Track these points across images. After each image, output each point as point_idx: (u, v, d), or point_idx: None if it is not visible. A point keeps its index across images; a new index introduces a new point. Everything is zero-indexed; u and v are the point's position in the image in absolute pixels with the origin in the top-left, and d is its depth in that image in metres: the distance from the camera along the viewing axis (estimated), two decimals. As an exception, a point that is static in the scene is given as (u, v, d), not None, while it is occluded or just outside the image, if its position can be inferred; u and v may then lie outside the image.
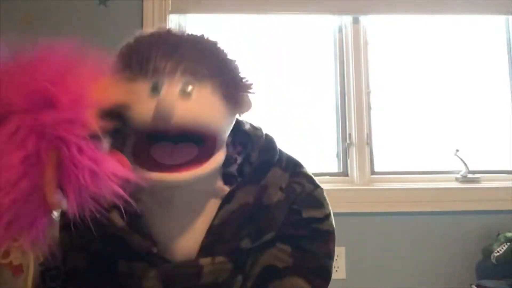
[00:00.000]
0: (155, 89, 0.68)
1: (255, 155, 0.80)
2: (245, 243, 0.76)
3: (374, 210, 1.85)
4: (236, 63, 0.79)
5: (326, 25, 2.04)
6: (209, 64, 0.74)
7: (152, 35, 0.75)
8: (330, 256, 0.82)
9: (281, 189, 0.79)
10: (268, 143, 0.82)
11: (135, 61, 0.72)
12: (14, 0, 1.84)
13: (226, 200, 0.77)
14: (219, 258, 0.75)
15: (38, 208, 0.56)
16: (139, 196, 0.72)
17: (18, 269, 0.67)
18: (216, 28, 2.02)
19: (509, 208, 1.82)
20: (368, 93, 1.97)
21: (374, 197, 1.87)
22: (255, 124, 0.84)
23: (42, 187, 0.55)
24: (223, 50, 0.79)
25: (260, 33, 2.03)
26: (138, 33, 0.77)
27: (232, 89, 0.75)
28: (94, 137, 0.58)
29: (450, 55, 2.04)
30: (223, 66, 0.76)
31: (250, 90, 0.77)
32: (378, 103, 1.99)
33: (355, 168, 1.92)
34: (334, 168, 1.97)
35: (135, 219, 0.74)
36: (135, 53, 0.73)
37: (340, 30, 2.02)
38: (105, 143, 0.60)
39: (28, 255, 0.67)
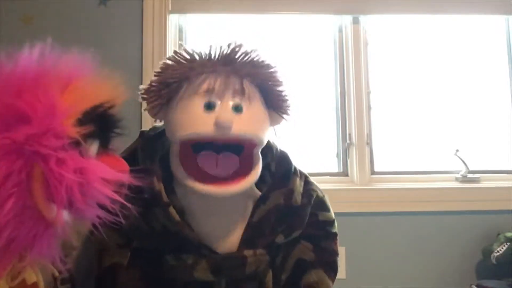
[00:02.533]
0: (210, 107, 0.80)
1: (273, 165, 0.93)
2: (279, 238, 0.89)
3: (374, 210, 1.85)
4: (284, 83, 0.92)
5: (326, 25, 2.04)
6: (258, 80, 0.86)
7: (208, 55, 0.84)
8: (337, 253, 0.96)
9: (301, 194, 0.93)
10: (285, 155, 0.96)
11: (187, 79, 0.82)
12: (14, 0, 1.84)
13: (261, 200, 0.89)
14: (260, 251, 0.87)
15: (36, 224, 0.55)
16: (185, 194, 0.86)
17: (34, 287, 0.67)
18: (216, 28, 2.01)
19: (509, 208, 1.82)
20: (368, 93, 1.97)
21: (374, 197, 1.87)
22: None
23: (35, 204, 0.54)
24: (276, 70, 0.90)
25: (260, 33, 2.03)
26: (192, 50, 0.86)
27: (275, 104, 0.88)
28: (77, 143, 0.58)
29: (450, 55, 2.03)
30: (272, 84, 0.88)
31: (288, 108, 0.92)
32: (378, 103, 1.99)
33: (355, 168, 1.92)
34: (334, 168, 1.97)
35: (182, 214, 0.86)
36: (188, 71, 0.82)
37: (340, 30, 2.01)
38: (91, 147, 0.60)
39: (38, 272, 0.67)
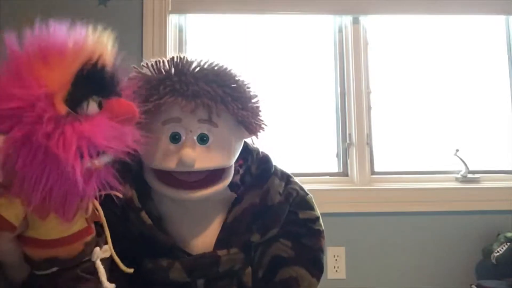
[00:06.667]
0: (175, 139, 0.82)
1: (254, 167, 0.94)
2: (255, 237, 0.90)
3: (374, 210, 1.85)
4: (253, 91, 0.88)
5: (326, 25, 2.04)
6: (226, 101, 0.83)
7: (166, 73, 0.83)
8: (322, 250, 0.95)
9: (279, 193, 0.92)
10: (265, 157, 0.96)
11: (152, 102, 0.80)
12: (14, 0, 1.85)
13: (236, 202, 0.90)
14: (234, 250, 0.88)
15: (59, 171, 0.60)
16: (162, 199, 0.88)
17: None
18: (216, 28, 2.01)
19: (509, 208, 1.82)
20: (368, 93, 1.97)
21: (374, 197, 1.87)
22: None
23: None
24: (241, 81, 0.86)
25: (260, 33, 2.03)
26: (148, 64, 0.86)
27: (249, 118, 0.87)
28: (72, 108, 0.60)
29: (450, 55, 2.03)
30: (241, 98, 0.86)
31: (264, 119, 0.90)
32: (378, 103, 1.99)
33: (355, 168, 1.92)
34: (334, 168, 1.97)
35: (159, 219, 0.88)
36: (150, 92, 0.81)
37: (340, 30, 2.02)
38: (90, 106, 0.63)
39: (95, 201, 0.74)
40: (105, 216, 0.74)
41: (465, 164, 1.92)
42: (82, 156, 0.59)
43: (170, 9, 1.90)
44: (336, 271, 1.82)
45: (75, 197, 0.63)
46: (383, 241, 1.85)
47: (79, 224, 0.69)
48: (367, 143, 1.93)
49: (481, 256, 1.79)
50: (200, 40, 2.00)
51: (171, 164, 0.81)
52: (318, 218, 0.96)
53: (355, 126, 1.94)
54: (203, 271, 0.86)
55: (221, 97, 0.82)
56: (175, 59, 0.84)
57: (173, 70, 0.83)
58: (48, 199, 0.61)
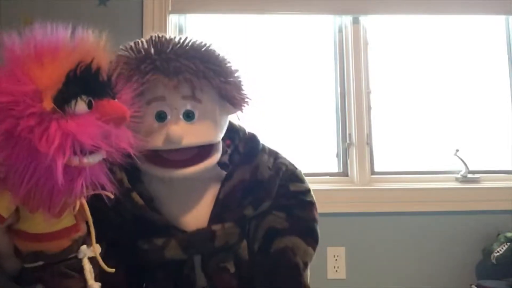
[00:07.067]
0: (161, 118, 0.82)
1: (242, 146, 0.95)
2: (248, 211, 0.90)
3: (374, 210, 1.85)
4: (234, 66, 0.88)
5: (326, 25, 2.04)
6: (208, 76, 0.83)
7: (146, 52, 0.82)
8: (315, 220, 0.96)
9: (269, 168, 0.94)
10: (252, 136, 0.97)
11: (136, 82, 0.79)
12: (14, 0, 1.85)
13: (226, 178, 0.91)
14: (228, 224, 0.88)
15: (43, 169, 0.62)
16: (151, 181, 0.88)
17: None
18: (216, 28, 2.01)
19: (509, 208, 1.82)
20: (368, 93, 1.97)
21: (374, 197, 1.87)
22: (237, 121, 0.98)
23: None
24: (222, 56, 0.87)
25: (260, 33, 2.03)
26: (127, 47, 0.85)
27: (232, 92, 0.86)
28: (59, 106, 0.61)
29: (450, 55, 2.03)
30: (223, 72, 0.86)
31: (248, 93, 0.89)
32: (378, 103, 1.99)
33: (355, 168, 1.92)
34: (334, 168, 1.97)
35: (150, 201, 0.88)
36: (132, 73, 0.80)
37: (340, 30, 2.02)
38: (79, 105, 0.63)
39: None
40: (98, 205, 0.74)
41: (465, 164, 1.92)
42: (65, 153, 0.60)
43: (170, 9, 1.90)
44: (336, 271, 1.82)
45: (60, 193, 0.64)
46: (383, 241, 1.85)
47: (67, 220, 0.71)
48: (367, 143, 1.93)
49: (481, 256, 1.79)
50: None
51: (158, 143, 0.81)
52: (308, 190, 0.97)
53: (355, 126, 1.94)
54: (198, 247, 0.87)
55: (203, 72, 0.82)
56: (154, 38, 0.84)
57: (152, 49, 0.83)
58: (33, 193, 0.62)
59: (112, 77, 0.71)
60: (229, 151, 0.94)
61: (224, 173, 0.92)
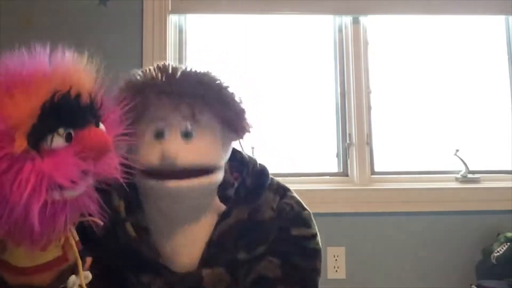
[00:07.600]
0: (159, 135, 0.81)
1: (249, 181, 0.90)
2: (241, 255, 0.86)
3: (374, 210, 1.85)
4: (235, 94, 0.87)
5: (326, 25, 2.04)
6: (209, 101, 0.83)
7: (151, 77, 0.83)
8: (316, 271, 0.90)
9: (272, 208, 0.89)
10: (261, 170, 0.93)
11: (138, 105, 0.79)
12: (14, 0, 1.85)
13: (224, 216, 0.87)
14: (218, 269, 0.85)
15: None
16: (150, 210, 0.86)
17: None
18: (216, 28, 2.01)
19: (509, 208, 1.82)
20: (368, 93, 1.97)
21: (374, 197, 1.87)
22: (249, 154, 0.96)
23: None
24: (222, 84, 0.86)
25: (260, 33, 2.03)
26: (136, 73, 0.85)
27: (233, 118, 0.85)
28: (33, 145, 0.57)
29: (450, 55, 2.03)
30: (223, 100, 0.85)
31: (249, 121, 0.87)
32: (378, 103, 1.99)
33: (355, 168, 1.92)
34: (334, 168, 1.97)
35: (143, 233, 0.85)
36: (137, 96, 0.80)
37: (340, 30, 2.01)
38: (55, 140, 0.59)
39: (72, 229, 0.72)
40: (91, 230, 0.71)
41: (465, 164, 1.92)
42: (40, 196, 0.56)
43: (170, 9, 1.90)
44: (336, 271, 1.82)
45: (41, 232, 0.60)
46: (383, 241, 1.85)
47: (53, 252, 0.67)
48: (367, 143, 1.93)
49: (481, 256, 1.79)
50: (200, 40, 2.00)
51: (154, 160, 0.80)
52: (314, 235, 0.90)
53: (355, 126, 1.94)
54: None
55: (204, 98, 0.82)
56: (161, 66, 0.85)
57: (159, 74, 0.83)
58: (13, 232, 0.59)
59: (96, 98, 0.65)
60: (236, 184, 0.91)
61: (223, 207, 0.88)
